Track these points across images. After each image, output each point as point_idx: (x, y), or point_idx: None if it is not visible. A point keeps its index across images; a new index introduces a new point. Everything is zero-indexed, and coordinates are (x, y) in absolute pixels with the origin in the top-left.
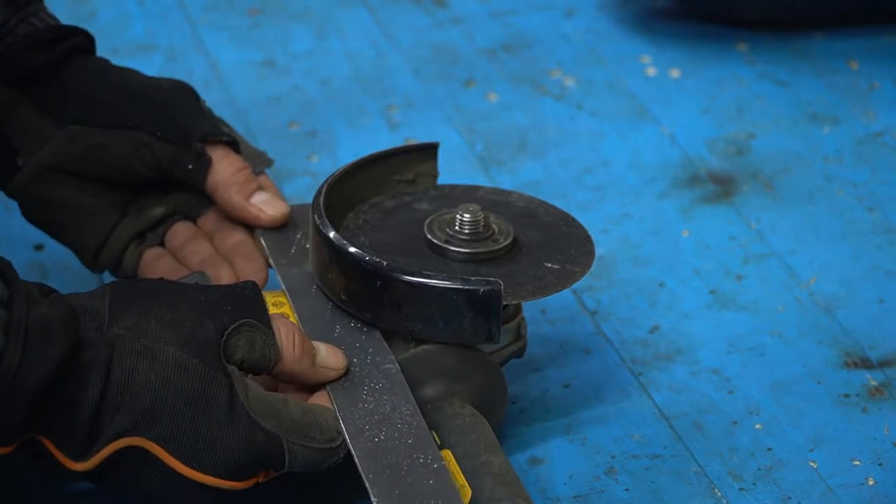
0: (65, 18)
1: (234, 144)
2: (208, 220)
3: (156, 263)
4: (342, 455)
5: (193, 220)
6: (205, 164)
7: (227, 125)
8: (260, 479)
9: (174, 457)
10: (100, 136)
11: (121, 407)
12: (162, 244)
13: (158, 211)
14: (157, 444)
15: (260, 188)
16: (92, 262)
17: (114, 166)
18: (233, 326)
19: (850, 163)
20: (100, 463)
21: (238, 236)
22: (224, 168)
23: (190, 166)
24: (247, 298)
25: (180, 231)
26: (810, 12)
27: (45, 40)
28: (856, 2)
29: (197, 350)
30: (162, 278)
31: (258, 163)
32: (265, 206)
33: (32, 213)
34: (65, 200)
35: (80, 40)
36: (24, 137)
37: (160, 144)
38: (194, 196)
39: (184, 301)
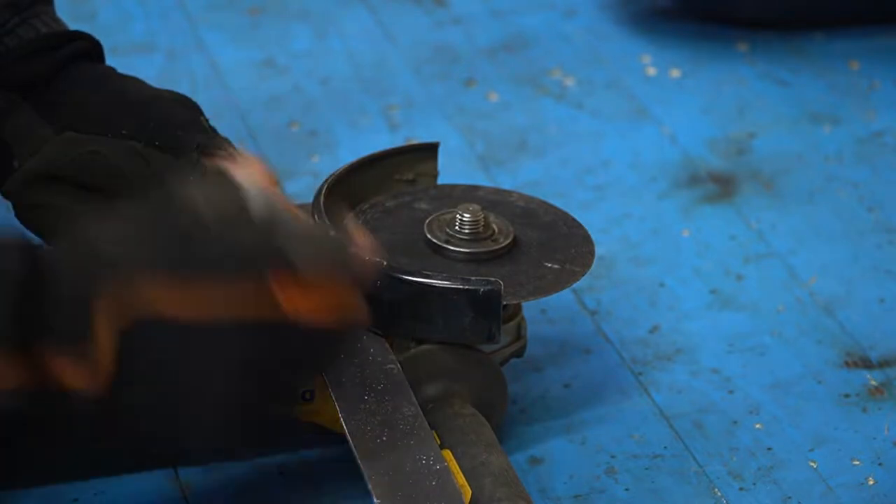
0: (65, 18)
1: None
2: None
3: None
4: (343, 242)
5: None
6: (200, 175)
7: (229, 142)
8: (271, 283)
9: (176, 283)
10: (95, 144)
11: (102, 277)
12: None
13: None
14: (152, 285)
15: None
16: None
17: (106, 174)
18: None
19: (850, 163)
20: (108, 349)
21: None
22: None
23: (187, 176)
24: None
25: None
26: (810, 12)
27: (45, 46)
28: (856, 2)
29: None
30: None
31: None
32: None
33: (25, 217)
34: (57, 206)
35: (83, 45)
36: (21, 141)
37: (155, 154)
38: None
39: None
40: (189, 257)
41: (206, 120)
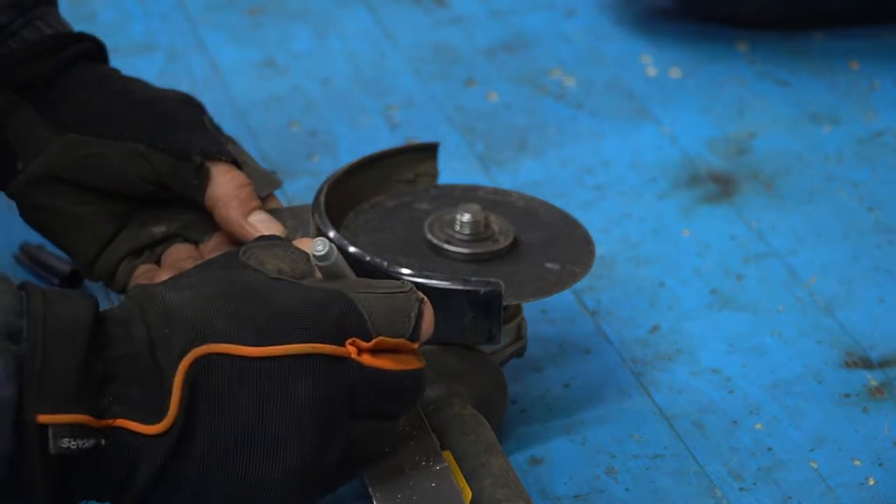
0: (65, 18)
1: (235, 162)
2: (209, 246)
3: (145, 277)
4: (419, 298)
5: (195, 244)
6: (203, 177)
7: (233, 142)
8: (352, 354)
9: (242, 343)
10: (96, 146)
11: (171, 333)
12: (158, 263)
13: (159, 230)
14: (220, 341)
15: (260, 208)
16: (87, 270)
17: (110, 176)
18: (251, 245)
19: (850, 163)
20: (178, 406)
21: None
22: (226, 183)
23: (191, 181)
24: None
25: (178, 251)
26: (810, 12)
27: (49, 47)
28: (856, 2)
29: (218, 266)
30: None
31: (265, 185)
32: (261, 226)
33: (30, 217)
34: (60, 208)
35: (87, 47)
36: (25, 142)
37: (158, 156)
38: (198, 220)
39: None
40: (263, 319)
41: (211, 119)
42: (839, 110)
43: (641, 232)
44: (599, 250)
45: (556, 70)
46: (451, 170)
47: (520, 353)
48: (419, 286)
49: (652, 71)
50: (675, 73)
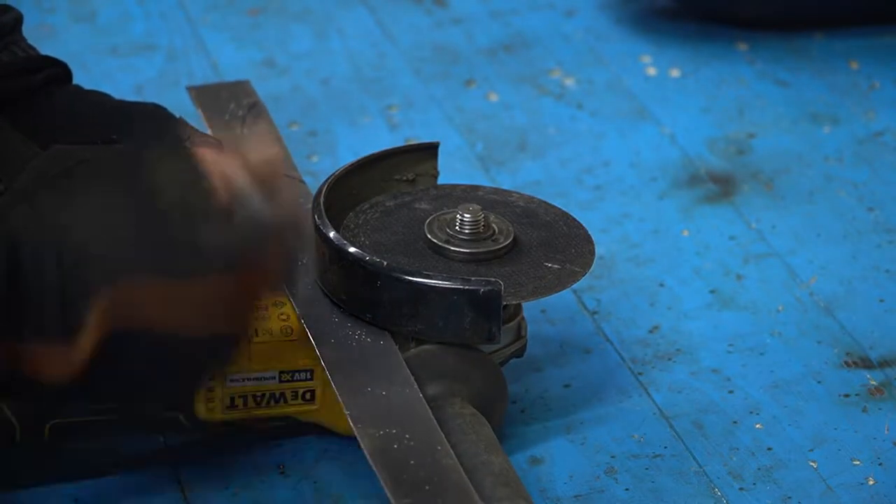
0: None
1: (218, 147)
2: None
3: None
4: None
5: None
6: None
7: (214, 139)
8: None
9: (153, 280)
10: (84, 153)
11: (85, 270)
12: None
13: None
14: (132, 283)
15: None
16: None
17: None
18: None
19: (850, 163)
20: (91, 342)
21: None
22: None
23: None
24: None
25: None
26: (810, 12)
27: (25, 68)
28: (856, 2)
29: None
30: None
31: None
32: None
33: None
34: None
35: (58, 71)
36: (8, 160)
37: (143, 154)
38: None
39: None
40: (169, 261)
41: (185, 121)
42: (839, 110)
43: (641, 232)
44: (599, 250)
45: (556, 70)
46: (451, 170)
47: (520, 353)
48: (419, 286)
49: (652, 71)
50: (674, 73)
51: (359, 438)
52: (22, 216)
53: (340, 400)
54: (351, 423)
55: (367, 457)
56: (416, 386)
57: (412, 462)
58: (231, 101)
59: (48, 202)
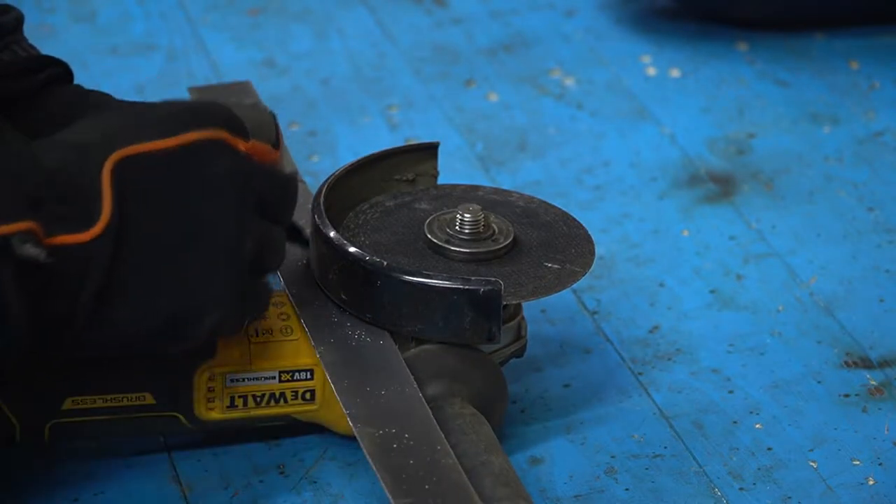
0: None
1: None
2: None
3: None
4: (274, 113)
5: None
6: None
7: None
8: (242, 147)
9: (149, 140)
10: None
11: (83, 151)
12: None
13: None
14: (128, 144)
15: None
16: None
17: None
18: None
19: (850, 163)
20: (111, 208)
21: None
22: None
23: None
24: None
25: None
26: (810, 12)
27: (27, 68)
28: (856, 2)
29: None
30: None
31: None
32: None
33: None
34: None
35: (59, 71)
36: None
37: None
38: None
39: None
40: (158, 118)
41: None
42: (839, 110)
43: (641, 232)
44: (599, 250)
45: (556, 70)
46: (451, 170)
47: (520, 353)
48: (419, 286)
49: (652, 71)
50: (674, 72)
51: (359, 438)
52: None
53: (340, 400)
54: (351, 423)
55: (367, 457)
56: (416, 386)
57: (412, 462)
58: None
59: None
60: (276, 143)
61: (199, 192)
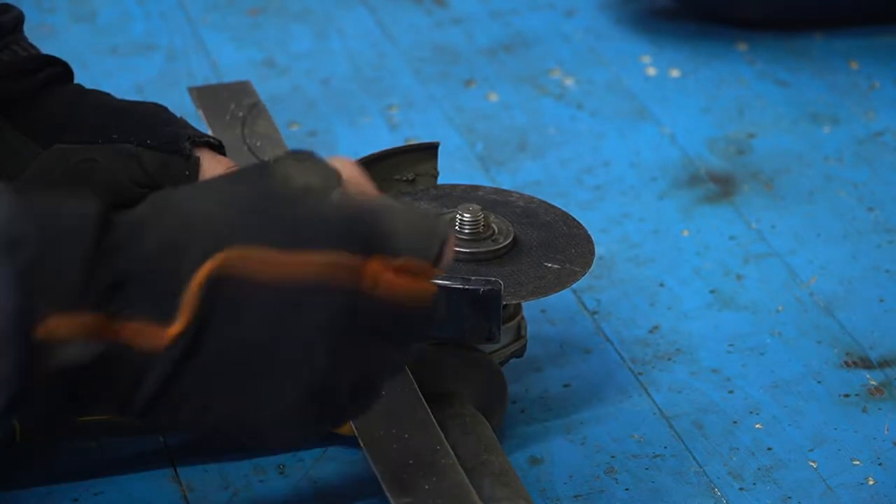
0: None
1: (219, 147)
2: None
3: None
4: (446, 228)
5: None
6: (194, 166)
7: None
8: (376, 271)
9: (269, 246)
10: (86, 152)
11: (190, 238)
12: None
13: None
14: (245, 243)
15: None
16: None
17: (100, 183)
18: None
19: (850, 163)
20: (191, 313)
21: None
22: (214, 167)
23: (182, 172)
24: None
25: None
26: (810, 12)
27: (26, 68)
28: (856, 2)
29: (245, 173)
30: None
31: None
32: None
33: None
34: None
35: (59, 70)
36: (9, 160)
37: (147, 154)
38: None
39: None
40: (286, 225)
41: (186, 121)
42: (839, 110)
43: (641, 232)
44: (599, 250)
45: (556, 70)
46: (451, 170)
47: (520, 353)
48: None
49: (652, 71)
50: (674, 73)
51: (359, 438)
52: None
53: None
54: (351, 423)
55: (367, 456)
56: (415, 386)
57: (412, 462)
58: (232, 102)
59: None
60: (437, 259)
61: (297, 324)
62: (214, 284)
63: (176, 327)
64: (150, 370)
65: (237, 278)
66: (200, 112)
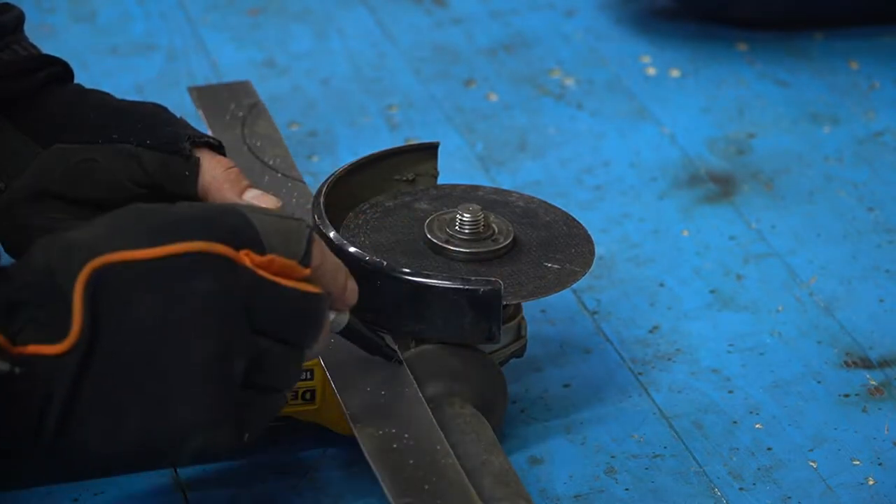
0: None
1: (219, 147)
2: None
3: None
4: (310, 226)
5: None
6: (194, 166)
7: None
8: (246, 262)
9: (136, 248)
10: (86, 152)
11: (69, 255)
12: None
13: None
14: (115, 250)
15: (251, 186)
16: None
17: (100, 183)
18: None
19: (850, 163)
20: (81, 323)
21: None
22: (213, 167)
23: (182, 172)
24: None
25: None
26: (810, 12)
27: (26, 68)
28: (856, 2)
29: None
30: None
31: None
32: (257, 201)
33: (10, 240)
34: (46, 226)
35: (59, 70)
36: (9, 160)
37: (147, 154)
38: None
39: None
40: (157, 224)
41: (186, 122)
42: (839, 110)
43: (641, 232)
44: (599, 250)
45: (556, 70)
46: (451, 170)
47: (520, 353)
48: (419, 286)
49: (652, 71)
50: (674, 73)
51: (358, 438)
52: (30, 240)
53: (340, 400)
54: (350, 423)
55: (367, 456)
56: (415, 386)
57: (411, 462)
58: (232, 102)
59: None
60: (305, 257)
61: (179, 309)
62: (94, 290)
63: (70, 339)
64: (56, 384)
65: (113, 280)
66: (200, 112)
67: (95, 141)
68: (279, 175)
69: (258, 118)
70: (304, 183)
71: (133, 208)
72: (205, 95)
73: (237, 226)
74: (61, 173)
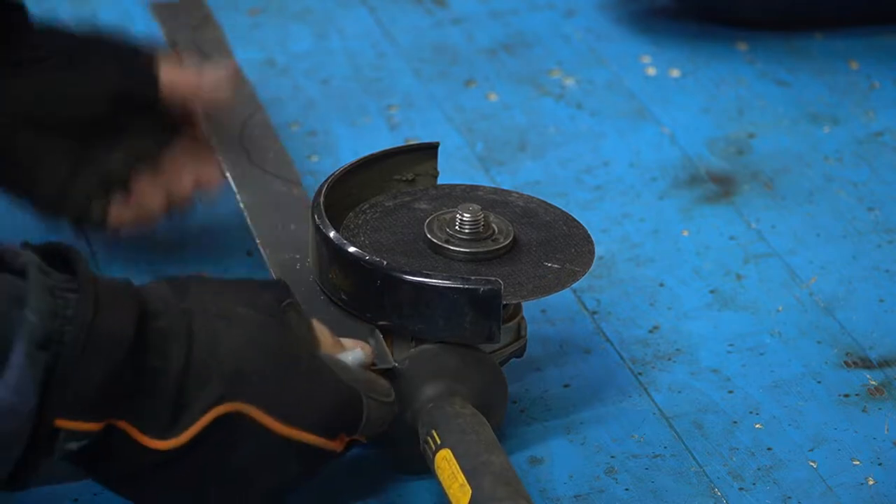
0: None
1: (178, 58)
2: (173, 158)
3: (123, 213)
4: (396, 411)
5: (154, 162)
6: (155, 70)
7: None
8: (339, 447)
9: (270, 415)
10: (53, 72)
11: (210, 374)
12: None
13: (117, 156)
14: (252, 405)
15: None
16: (49, 211)
17: (71, 100)
18: (287, 301)
19: (850, 163)
20: (191, 438)
21: (204, 170)
22: (171, 67)
23: (144, 75)
24: (284, 287)
25: (143, 186)
26: (810, 12)
27: None
28: (856, 2)
29: (269, 312)
30: (202, 273)
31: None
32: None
33: None
34: (15, 148)
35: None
36: None
37: (111, 65)
38: (154, 143)
39: (233, 283)
40: (295, 399)
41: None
42: (839, 110)
43: (641, 232)
44: (599, 250)
45: (556, 70)
46: (451, 170)
47: (520, 353)
48: (419, 285)
49: (652, 71)
50: (674, 73)
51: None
52: (162, 290)
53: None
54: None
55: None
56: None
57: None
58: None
59: (191, 287)
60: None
61: (262, 473)
62: (218, 422)
63: (171, 443)
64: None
65: (236, 426)
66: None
67: (63, 64)
68: (278, 180)
69: (254, 115)
70: (301, 185)
71: (285, 343)
72: (164, 11)
73: (353, 421)
74: (33, 95)
